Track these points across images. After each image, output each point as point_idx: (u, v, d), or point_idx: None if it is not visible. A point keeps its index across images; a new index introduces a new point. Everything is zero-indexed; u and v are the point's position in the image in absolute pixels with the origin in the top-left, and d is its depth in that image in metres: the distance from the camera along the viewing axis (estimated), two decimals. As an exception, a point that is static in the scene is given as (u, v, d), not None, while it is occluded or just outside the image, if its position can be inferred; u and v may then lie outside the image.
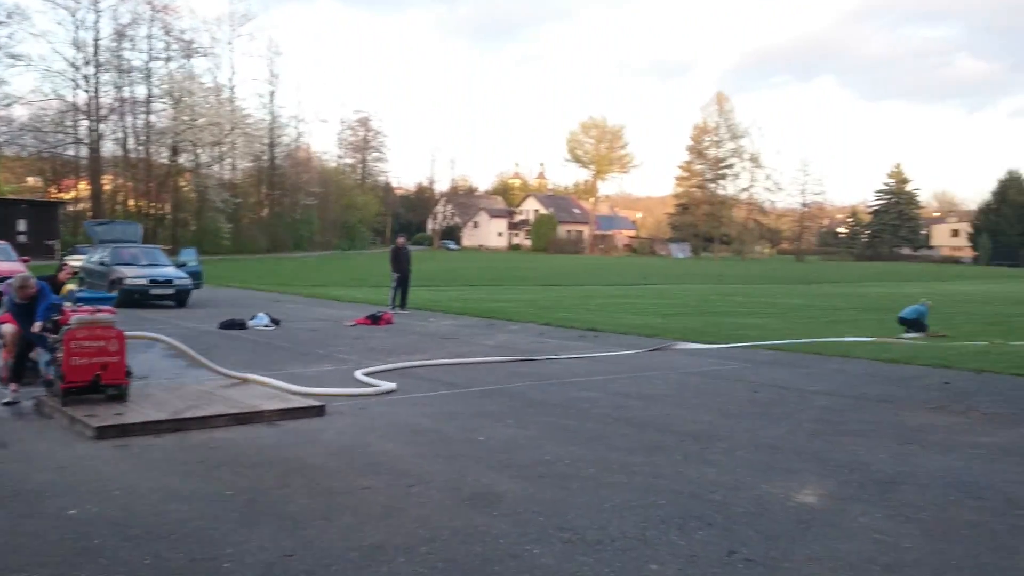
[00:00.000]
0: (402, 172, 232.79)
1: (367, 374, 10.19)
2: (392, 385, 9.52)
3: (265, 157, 79.87)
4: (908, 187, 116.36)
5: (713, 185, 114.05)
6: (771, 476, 6.15)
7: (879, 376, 11.29)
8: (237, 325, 15.58)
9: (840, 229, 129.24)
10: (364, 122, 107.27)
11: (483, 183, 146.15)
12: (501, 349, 13.46)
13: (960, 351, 14.03)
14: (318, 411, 7.93)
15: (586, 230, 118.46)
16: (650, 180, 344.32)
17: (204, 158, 71.20)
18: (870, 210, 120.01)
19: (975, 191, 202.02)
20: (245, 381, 9.23)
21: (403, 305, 20.22)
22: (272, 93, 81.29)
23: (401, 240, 21.92)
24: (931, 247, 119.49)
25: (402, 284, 20.40)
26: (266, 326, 15.72)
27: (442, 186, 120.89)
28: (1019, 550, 4.71)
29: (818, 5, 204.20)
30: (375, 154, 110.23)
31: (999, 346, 15.11)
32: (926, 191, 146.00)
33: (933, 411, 8.83)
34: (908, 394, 9.86)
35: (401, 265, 20.54)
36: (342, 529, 4.81)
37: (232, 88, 75.68)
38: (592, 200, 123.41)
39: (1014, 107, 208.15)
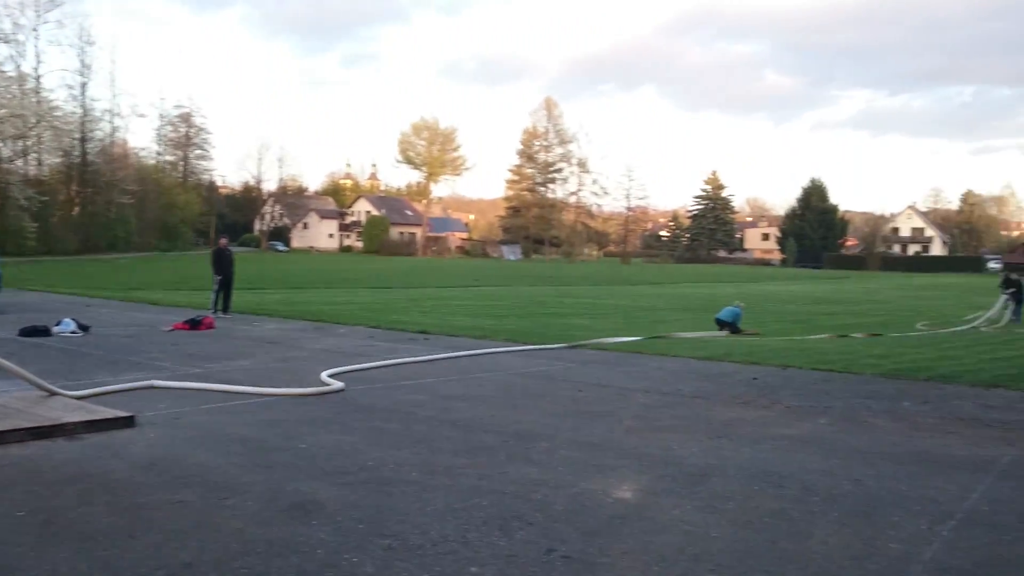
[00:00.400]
0: (228, 171, 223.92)
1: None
2: (340, 384, 9.81)
3: (76, 152, 74.92)
4: (724, 193, 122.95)
5: (543, 189, 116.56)
6: (591, 473, 6.30)
7: (694, 373, 11.83)
8: (40, 332, 14.53)
9: (663, 232, 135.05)
10: (186, 118, 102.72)
11: (313, 183, 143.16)
12: (330, 353, 13.19)
13: (768, 347, 14.92)
14: (127, 422, 7.49)
15: (419, 232, 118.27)
16: (483, 183, 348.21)
17: (6, 152, 65.93)
18: (690, 214, 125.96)
19: (783, 198, 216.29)
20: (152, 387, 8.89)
21: (226, 309, 19.46)
22: (84, 85, 76.34)
23: (224, 241, 21.12)
24: (745, 250, 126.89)
25: (225, 287, 19.63)
26: (73, 332, 14.73)
27: (270, 186, 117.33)
28: (813, 535, 5.03)
29: (639, 17, 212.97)
30: (198, 151, 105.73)
31: (835, 340, 16.20)
32: (740, 197, 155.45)
33: (742, 405, 9.33)
34: (720, 390, 10.38)
35: (224, 267, 19.77)
36: (148, 547, 4.54)
37: (38, 78, 70.49)
38: (425, 202, 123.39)
39: (815, 120, 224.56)
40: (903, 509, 5.53)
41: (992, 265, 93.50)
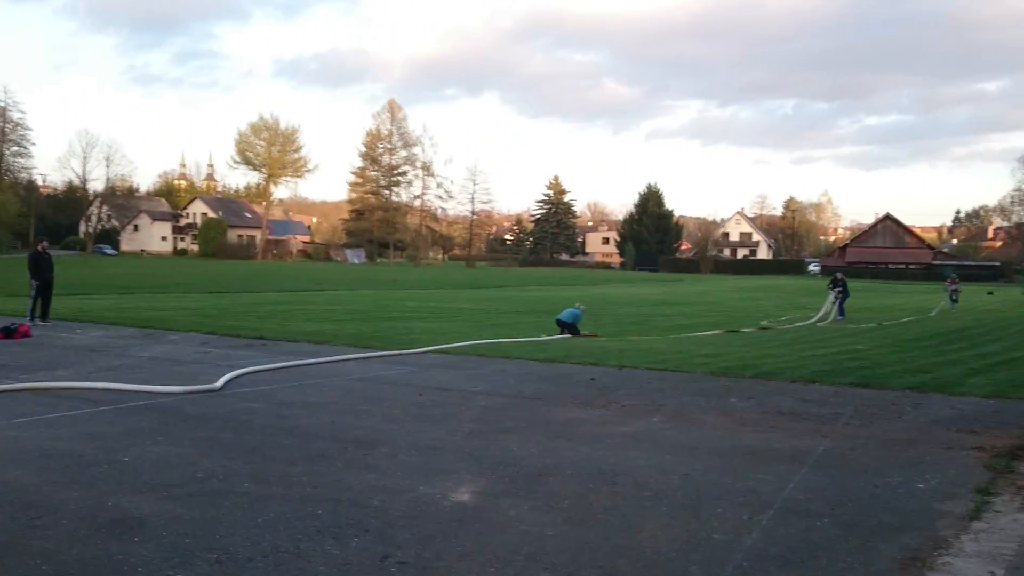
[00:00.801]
0: (49, 169, 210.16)
1: None
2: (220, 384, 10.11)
3: None
4: (566, 198, 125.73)
5: (387, 192, 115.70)
6: (430, 477, 6.27)
7: (535, 375, 12.00)
8: None
9: (507, 236, 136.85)
10: (1, 112, 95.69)
11: (145, 183, 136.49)
12: (160, 361, 12.59)
13: (606, 348, 15.34)
14: (-74, 440, 6.88)
15: (258, 235, 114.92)
16: (326, 185, 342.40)
17: None
18: (533, 219, 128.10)
19: (622, 203, 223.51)
20: None
21: (44, 316, 18.24)
22: None
23: (43, 244, 19.82)
24: (586, 253, 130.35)
25: (43, 292, 18.40)
26: None
27: (97, 185, 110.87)
28: (644, 528, 5.19)
29: (482, 24, 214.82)
30: (15, 148, 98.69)
31: (668, 340, 16.74)
32: (582, 202, 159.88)
33: (580, 406, 9.54)
34: (559, 391, 10.58)
35: (42, 271, 18.53)
36: (-55, 575, 4.18)
37: None
38: (265, 204, 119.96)
39: (652, 128, 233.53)
40: (727, 501, 5.79)
41: (812, 268, 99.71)
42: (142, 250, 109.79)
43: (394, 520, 5.22)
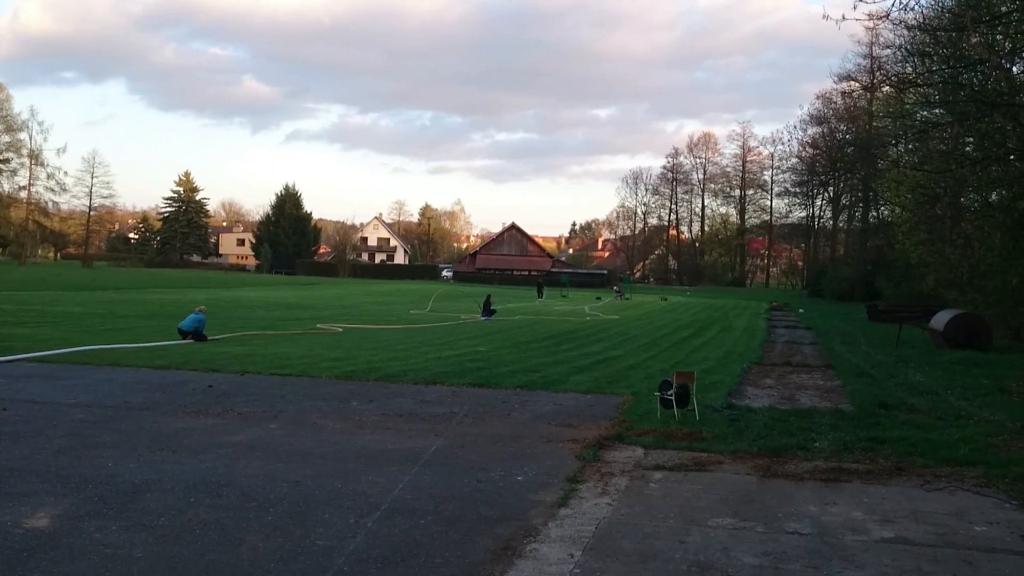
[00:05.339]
0: None
1: None
2: None
3: None
4: (198, 196, 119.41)
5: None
6: (1, 503, 5.53)
7: (146, 383, 11.16)
8: None
9: (131, 235, 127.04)
10: None
11: None
12: None
13: (229, 355, 14.70)
14: None
15: None
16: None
17: None
18: (161, 217, 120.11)
19: (258, 204, 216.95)
20: None
21: None
22: None
23: None
24: (220, 255, 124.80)
25: None
26: None
27: None
28: (245, 541, 4.98)
29: (108, 6, 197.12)
30: None
31: (298, 344, 16.25)
32: (216, 201, 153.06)
33: (192, 415, 9.01)
34: (171, 399, 9.92)
35: None
36: None
37: None
38: None
39: (292, 130, 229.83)
40: (335, 506, 5.75)
41: (446, 273, 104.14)
42: None
43: (-53, 557, 4.52)
